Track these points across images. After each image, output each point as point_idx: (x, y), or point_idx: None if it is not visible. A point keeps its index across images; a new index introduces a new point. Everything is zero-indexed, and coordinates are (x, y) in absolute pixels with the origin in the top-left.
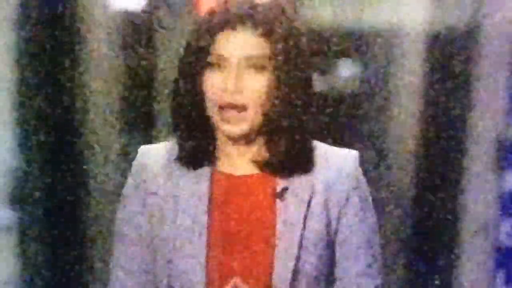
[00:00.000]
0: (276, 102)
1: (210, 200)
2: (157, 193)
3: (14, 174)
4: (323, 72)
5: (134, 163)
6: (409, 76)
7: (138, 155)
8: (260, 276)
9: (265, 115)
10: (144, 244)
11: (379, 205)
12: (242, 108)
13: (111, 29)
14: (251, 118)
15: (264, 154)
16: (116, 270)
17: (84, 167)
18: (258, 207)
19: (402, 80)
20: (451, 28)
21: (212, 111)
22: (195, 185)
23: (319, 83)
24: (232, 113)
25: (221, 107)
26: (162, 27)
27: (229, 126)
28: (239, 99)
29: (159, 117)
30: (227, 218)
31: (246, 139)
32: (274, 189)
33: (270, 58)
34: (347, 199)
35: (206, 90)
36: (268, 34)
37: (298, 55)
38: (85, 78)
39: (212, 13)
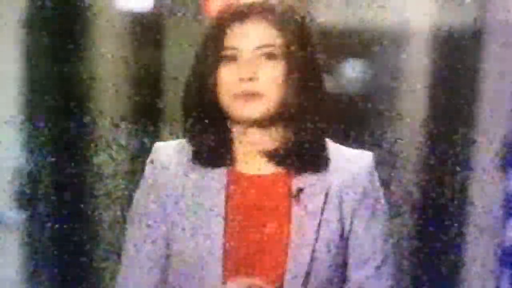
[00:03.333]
0: (289, 89)
1: (226, 199)
2: (172, 192)
3: (21, 174)
4: (329, 73)
5: (149, 160)
6: (415, 76)
7: (152, 152)
8: (273, 276)
9: (279, 102)
10: (158, 243)
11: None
12: (257, 95)
13: (118, 28)
14: (266, 104)
15: (279, 147)
16: (128, 266)
17: (92, 165)
18: (273, 207)
19: (408, 80)
20: (458, 28)
21: (227, 101)
22: (211, 185)
23: (327, 83)
24: (248, 99)
25: (237, 96)
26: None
27: (247, 108)
28: (254, 87)
29: (167, 116)
30: (242, 217)
31: (261, 126)
32: (290, 189)
33: (281, 47)
34: (361, 201)
35: (221, 82)
36: (278, 23)
37: (308, 44)
38: (93, 78)
39: (223, 10)
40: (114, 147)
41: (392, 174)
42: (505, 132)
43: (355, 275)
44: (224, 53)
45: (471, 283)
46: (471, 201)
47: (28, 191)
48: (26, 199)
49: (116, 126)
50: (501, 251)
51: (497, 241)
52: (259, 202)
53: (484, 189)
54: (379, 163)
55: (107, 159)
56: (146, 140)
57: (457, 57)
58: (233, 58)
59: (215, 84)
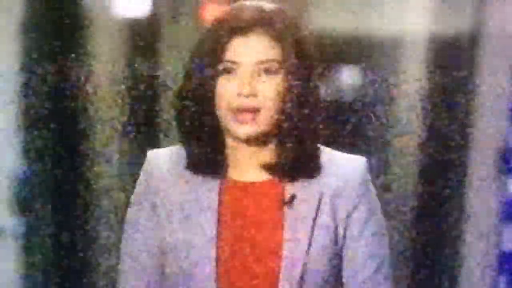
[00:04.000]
0: (287, 105)
1: (219, 207)
2: (165, 199)
3: (19, 182)
4: (326, 79)
5: (143, 168)
6: (412, 82)
7: (146, 159)
8: (267, 283)
9: (276, 118)
10: (152, 250)
11: (382, 211)
12: (256, 111)
13: (115, 36)
14: (263, 121)
15: (273, 158)
16: (123, 275)
17: (90, 173)
18: (266, 214)
19: (404, 86)
20: (454, 34)
21: (224, 115)
22: (204, 192)
23: (322, 90)
24: (245, 116)
25: (235, 111)
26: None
27: (242, 128)
28: (253, 103)
29: (163, 122)
30: (235, 225)
31: (258, 141)
32: (282, 196)
33: (281, 62)
34: (355, 206)
35: (219, 95)
36: (279, 38)
37: (307, 60)
38: (90, 84)
39: (221, 20)
40: (113, 152)
41: (390, 179)
42: (502, 137)
43: (351, 280)
44: (223, 65)
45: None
46: (468, 206)
47: (26, 199)
48: (25, 207)
49: (115, 132)
50: (499, 256)
51: (494, 246)
52: (252, 209)
53: (481, 194)
54: (376, 169)
55: (106, 166)
56: (144, 146)
57: (453, 63)
58: (232, 71)
59: (212, 96)
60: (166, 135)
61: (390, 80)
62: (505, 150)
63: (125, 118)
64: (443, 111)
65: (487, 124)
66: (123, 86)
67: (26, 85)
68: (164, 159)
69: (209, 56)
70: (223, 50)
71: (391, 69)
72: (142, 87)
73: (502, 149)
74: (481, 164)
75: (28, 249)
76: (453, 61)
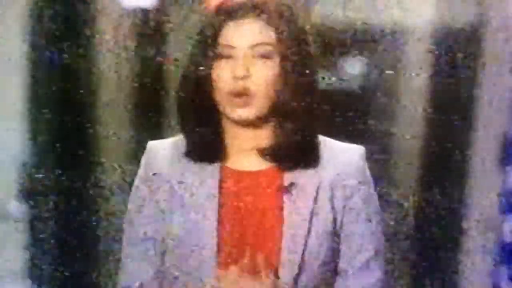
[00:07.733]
0: (282, 88)
1: (220, 195)
2: (166, 189)
3: (24, 167)
4: (328, 70)
5: (143, 158)
6: (414, 74)
7: (146, 150)
8: (267, 270)
9: (272, 101)
10: (153, 238)
11: (382, 201)
12: (250, 94)
13: (122, 25)
14: (259, 104)
15: (271, 144)
16: (126, 261)
17: (94, 160)
18: (266, 202)
19: (406, 78)
20: (456, 27)
21: (221, 98)
22: (204, 181)
23: (324, 81)
24: (240, 99)
25: (230, 94)
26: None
27: (238, 111)
28: (247, 85)
29: (168, 112)
30: (236, 213)
31: (254, 125)
32: (282, 184)
33: (275, 46)
34: (352, 194)
35: (215, 79)
36: (272, 21)
37: (302, 44)
38: (96, 74)
39: (216, 5)
40: (117, 141)
41: (390, 170)
42: (503, 128)
43: (346, 266)
44: (219, 50)
45: (469, 279)
46: (469, 197)
47: (32, 184)
48: (30, 192)
49: (119, 120)
50: (499, 247)
51: (495, 237)
52: (251, 198)
53: (482, 185)
54: (376, 159)
55: (110, 153)
56: (149, 135)
57: (457, 54)
58: (228, 56)
59: (210, 82)
60: (170, 125)
61: (392, 71)
62: (507, 141)
63: (131, 106)
64: (446, 102)
65: (489, 115)
66: (129, 74)
67: (32, 75)
68: (164, 149)
69: (205, 41)
70: (219, 35)
71: (393, 60)
72: (148, 77)
73: (504, 139)
74: (482, 155)
75: (32, 233)
76: (456, 52)
